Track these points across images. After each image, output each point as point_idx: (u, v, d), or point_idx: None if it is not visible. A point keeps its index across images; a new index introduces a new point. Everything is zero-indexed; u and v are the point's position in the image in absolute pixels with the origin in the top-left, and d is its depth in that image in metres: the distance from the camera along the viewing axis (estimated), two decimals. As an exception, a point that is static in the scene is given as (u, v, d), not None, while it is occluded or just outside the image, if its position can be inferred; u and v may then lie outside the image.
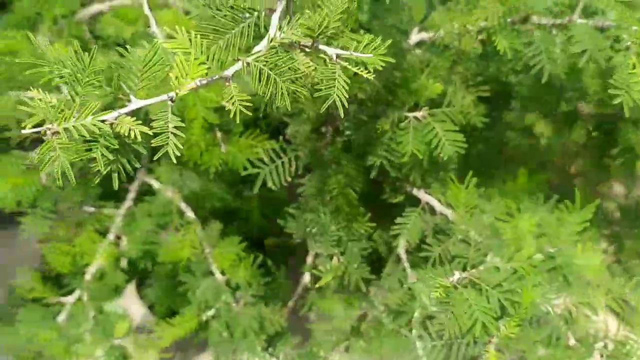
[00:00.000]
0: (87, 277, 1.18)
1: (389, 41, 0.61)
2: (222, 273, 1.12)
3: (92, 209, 1.18)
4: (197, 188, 1.14)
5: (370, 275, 1.02)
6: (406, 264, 1.03)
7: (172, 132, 0.55)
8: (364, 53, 0.59)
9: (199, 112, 1.02)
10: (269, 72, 0.57)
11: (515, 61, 0.88)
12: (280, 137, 1.04)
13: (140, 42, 1.14)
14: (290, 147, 1.02)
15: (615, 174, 1.20)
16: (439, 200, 0.95)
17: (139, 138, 0.54)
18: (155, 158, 0.56)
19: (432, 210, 0.96)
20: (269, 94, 0.57)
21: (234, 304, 1.11)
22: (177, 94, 0.55)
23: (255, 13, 0.61)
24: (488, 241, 0.87)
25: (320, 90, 0.58)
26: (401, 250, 1.04)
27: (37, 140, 1.12)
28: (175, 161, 0.55)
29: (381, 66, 0.59)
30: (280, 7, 0.63)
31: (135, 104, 0.56)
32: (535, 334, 0.84)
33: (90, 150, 0.54)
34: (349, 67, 0.58)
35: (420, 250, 0.97)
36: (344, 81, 0.57)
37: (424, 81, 0.88)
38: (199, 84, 0.55)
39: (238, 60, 0.58)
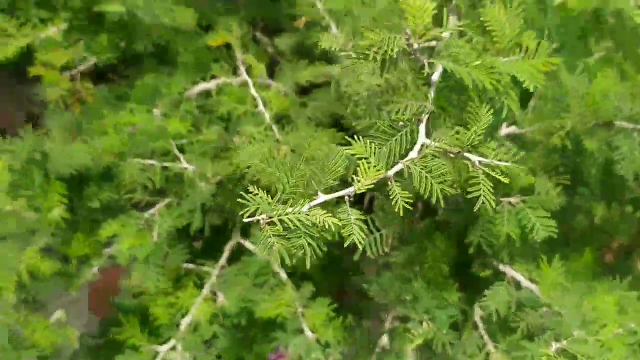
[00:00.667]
0: (182, 328, 1.30)
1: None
2: (313, 331, 1.22)
3: (192, 266, 1.30)
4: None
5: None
6: (484, 332, 1.14)
7: (354, 223, 0.68)
8: (500, 160, 0.72)
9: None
10: (426, 174, 0.70)
11: (598, 157, 1.00)
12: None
13: (247, 119, 1.30)
14: (383, 220, 1.14)
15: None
16: (525, 276, 1.06)
17: (333, 228, 0.66)
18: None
19: (517, 285, 1.08)
20: (426, 192, 0.70)
21: (324, 361, 1.21)
22: (356, 191, 0.68)
23: (409, 124, 0.74)
24: (573, 315, 0.98)
25: (469, 193, 0.70)
26: (478, 318, 1.15)
27: (150, 204, 1.26)
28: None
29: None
30: (425, 119, 0.76)
31: (322, 198, 0.69)
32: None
33: (298, 237, 0.66)
34: (489, 172, 0.71)
35: (499, 320, 1.08)
36: (489, 184, 0.70)
37: (517, 171, 1.00)
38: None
39: (398, 163, 0.71)
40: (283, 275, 1.27)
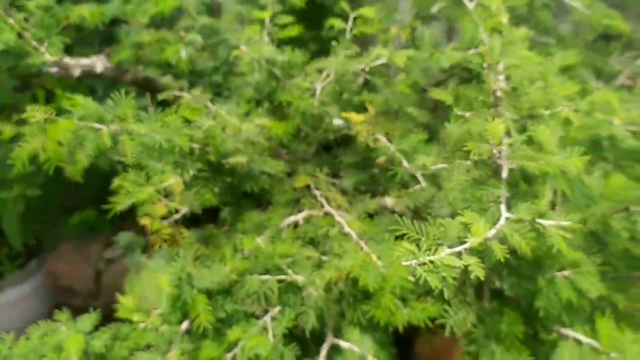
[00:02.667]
0: None
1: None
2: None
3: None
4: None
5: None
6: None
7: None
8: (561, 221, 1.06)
9: (396, 280, 1.45)
10: (513, 233, 1.03)
11: (623, 234, 1.34)
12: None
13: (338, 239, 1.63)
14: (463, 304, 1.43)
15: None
16: (583, 334, 1.33)
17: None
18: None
19: (579, 342, 1.34)
20: (516, 245, 1.02)
21: None
22: (471, 245, 1.00)
23: (494, 204, 1.09)
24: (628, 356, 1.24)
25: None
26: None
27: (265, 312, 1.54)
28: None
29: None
30: (504, 200, 1.12)
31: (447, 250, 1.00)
32: None
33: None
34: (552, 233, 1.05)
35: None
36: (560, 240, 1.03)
37: (566, 248, 1.33)
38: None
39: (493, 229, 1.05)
40: (375, 362, 1.50)
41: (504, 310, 1.40)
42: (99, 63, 2.07)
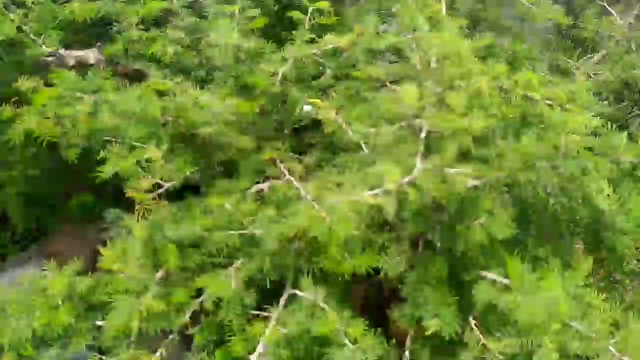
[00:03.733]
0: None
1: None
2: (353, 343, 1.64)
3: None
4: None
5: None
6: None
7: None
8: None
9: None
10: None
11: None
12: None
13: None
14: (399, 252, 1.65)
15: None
16: (497, 274, 1.54)
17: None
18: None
19: (494, 282, 1.55)
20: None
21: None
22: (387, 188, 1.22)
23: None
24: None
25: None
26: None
27: (227, 265, 1.77)
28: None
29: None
30: (420, 152, 1.34)
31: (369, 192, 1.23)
32: None
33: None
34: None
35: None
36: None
37: (481, 199, 1.54)
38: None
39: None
40: (327, 307, 1.71)
41: (433, 258, 1.62)
42: (91, 54, 2.31)
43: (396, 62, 2.50)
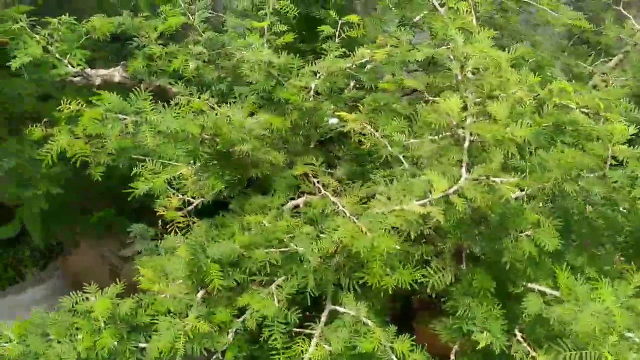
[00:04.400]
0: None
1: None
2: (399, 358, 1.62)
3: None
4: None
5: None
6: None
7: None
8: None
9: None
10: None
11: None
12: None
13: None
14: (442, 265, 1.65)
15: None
16: (546, 286, 1.54)
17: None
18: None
19: (543, 294, 1.54)
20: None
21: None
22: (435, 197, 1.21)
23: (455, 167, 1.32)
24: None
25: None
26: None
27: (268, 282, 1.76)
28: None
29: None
30: (465, 164, 1.33)
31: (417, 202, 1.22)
32: None
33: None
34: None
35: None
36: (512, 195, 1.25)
37: (526, 212, 1.54)
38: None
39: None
40: (370, 323, 1.70)
41: (477, 270, 1.61)
42: (116, 73, 2.31)
43: (417, 71, 2.51)
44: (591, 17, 3.14)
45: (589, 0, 3.60)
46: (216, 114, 1.78)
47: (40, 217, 2.85)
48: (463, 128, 1.36)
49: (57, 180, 2.65)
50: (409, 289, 1.69)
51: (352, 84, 2.31)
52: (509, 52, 1.76)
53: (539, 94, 1.78)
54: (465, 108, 1.38)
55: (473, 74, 1.52)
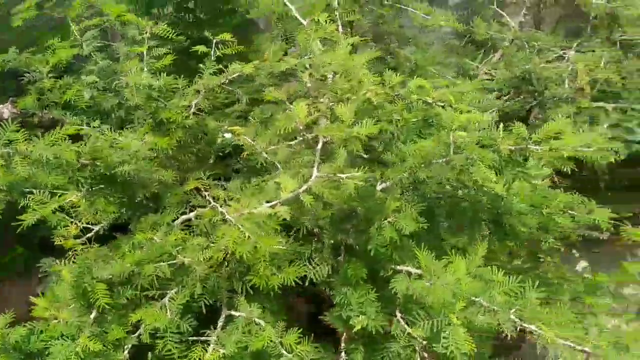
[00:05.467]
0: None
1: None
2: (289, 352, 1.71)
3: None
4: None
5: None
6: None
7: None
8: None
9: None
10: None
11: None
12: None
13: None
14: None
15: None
16: (411, 266, 1.67)
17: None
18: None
19: (409, 274, 1.67)
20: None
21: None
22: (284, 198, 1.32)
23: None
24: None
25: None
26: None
27: (161, 296, 1.82)
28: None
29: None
30: (317, 162, 1.45)
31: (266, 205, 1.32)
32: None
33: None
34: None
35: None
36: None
37: (388, 201, 1.66)
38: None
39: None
40: (262, 322, 1.79)
41: (351, 260, 1.73)
42: (5, 110, 2.34)
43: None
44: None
45: (473, 2, 3.87)
46: (97, 139, 1.84)
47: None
48: (311, 132, 1.48)
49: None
50: (294, 285, 1.80)
51: (244, 99, 2.41)
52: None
53: (399, 93, 1.92)
54: (313, 113, 1.50)
55: (323, 80, 1.64)
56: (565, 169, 1.63)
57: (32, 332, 1.73)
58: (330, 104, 1.61)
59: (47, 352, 1.66)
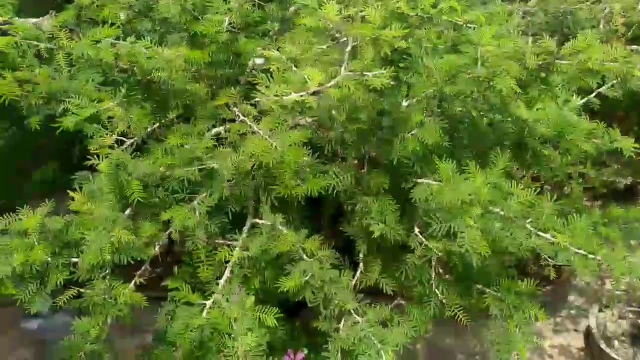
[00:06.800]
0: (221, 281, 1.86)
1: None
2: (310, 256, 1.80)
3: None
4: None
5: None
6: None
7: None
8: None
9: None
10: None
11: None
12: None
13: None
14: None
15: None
16: (432, 179, 1.72)
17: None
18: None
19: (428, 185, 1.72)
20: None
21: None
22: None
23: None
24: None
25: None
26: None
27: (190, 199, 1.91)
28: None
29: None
30: (345, 60, 1.49)
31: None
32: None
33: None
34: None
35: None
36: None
37: (413, 114, 1.71)
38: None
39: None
40: (284, 230, 1.87)
41: (374, 171, 1.79)
42: (45, 22, 2.40)
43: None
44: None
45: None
46: (133, 45, 1.91)
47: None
48: (340, 33, 1.51)
49: (-3, 134, 2.74)
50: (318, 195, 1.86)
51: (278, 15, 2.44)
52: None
53: (431, 14, 1.93)
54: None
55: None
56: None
57: (70, 224, 1.84)
58: (360, 10, 1.63)
59: (83, 242, 1.77)
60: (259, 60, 2.39)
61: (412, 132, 1.70)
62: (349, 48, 1.53)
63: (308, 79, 1.40)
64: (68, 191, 3.00)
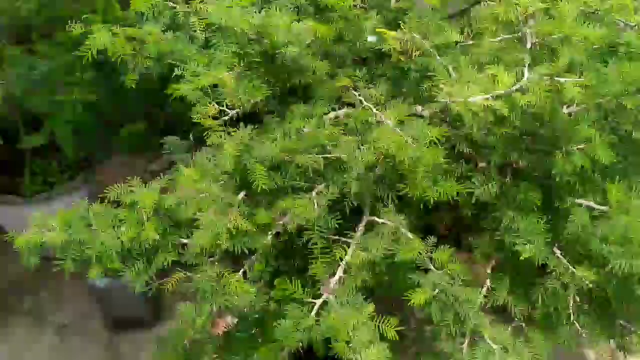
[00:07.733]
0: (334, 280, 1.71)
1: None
2: (439, 269, 1.63)
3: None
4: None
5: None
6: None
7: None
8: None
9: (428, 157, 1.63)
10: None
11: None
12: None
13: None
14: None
15: None
16: (594, 202, 1.52)
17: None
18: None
19: (591, 209, 1.53)
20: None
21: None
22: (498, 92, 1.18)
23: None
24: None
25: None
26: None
27: (309, 189, 1.75)
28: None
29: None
30: (527, 61, 1.29)
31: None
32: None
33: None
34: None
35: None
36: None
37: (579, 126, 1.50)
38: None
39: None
40: (409, 235, 1.71)
41: (523, 184, 1.60)
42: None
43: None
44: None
45: None
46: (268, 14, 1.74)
47: (71, 126, 2.85)
48: (527, 26, 1.31)
49: (90, 87, 2.63)
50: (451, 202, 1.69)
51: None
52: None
53: (597, 9, 1.71)
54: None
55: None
56: None
57: (181, 202, 1.70)
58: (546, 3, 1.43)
59: (195, 223, 1.64)
60: (371, 38, 2.20)
61: (580, 147, 1.50)
62: (529, 45, 1.33)
63: (494, 80, 1.21)
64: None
